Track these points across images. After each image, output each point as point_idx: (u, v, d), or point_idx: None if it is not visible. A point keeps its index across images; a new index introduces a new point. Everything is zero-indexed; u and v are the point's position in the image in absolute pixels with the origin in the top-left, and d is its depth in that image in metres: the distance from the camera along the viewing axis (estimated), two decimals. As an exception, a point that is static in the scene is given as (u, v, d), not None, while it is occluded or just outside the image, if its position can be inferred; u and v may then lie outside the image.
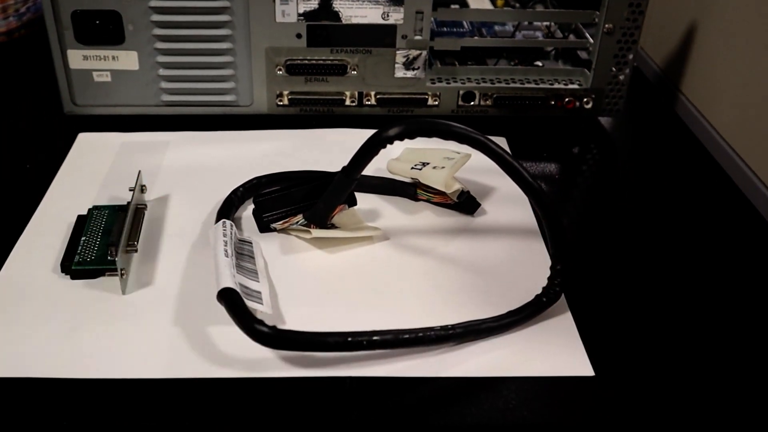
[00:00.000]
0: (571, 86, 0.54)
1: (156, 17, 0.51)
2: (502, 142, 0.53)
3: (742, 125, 0.51)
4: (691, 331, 0.39)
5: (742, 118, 0.51)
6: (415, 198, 0.47)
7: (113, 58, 0.52)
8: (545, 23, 0.60)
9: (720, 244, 0.45)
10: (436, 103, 0.55)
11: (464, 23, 0.61)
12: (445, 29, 0.60)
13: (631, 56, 0.53)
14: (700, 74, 0.56)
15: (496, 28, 0.61)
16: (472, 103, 0.55)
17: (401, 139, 0.39)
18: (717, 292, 0.42)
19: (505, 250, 0.43)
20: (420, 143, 0.43)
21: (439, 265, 0.42)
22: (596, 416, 0.34)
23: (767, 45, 0.48)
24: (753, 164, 0.49)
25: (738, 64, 0.52)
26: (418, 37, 0.53)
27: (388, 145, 0.39)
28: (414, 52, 0.53)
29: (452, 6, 0.59)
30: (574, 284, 0.41)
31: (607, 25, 0.52)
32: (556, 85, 0.54)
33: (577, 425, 0.34)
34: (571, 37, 0.58)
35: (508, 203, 0.47)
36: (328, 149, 0.52)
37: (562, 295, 0.40)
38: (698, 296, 0.41)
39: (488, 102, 0.54)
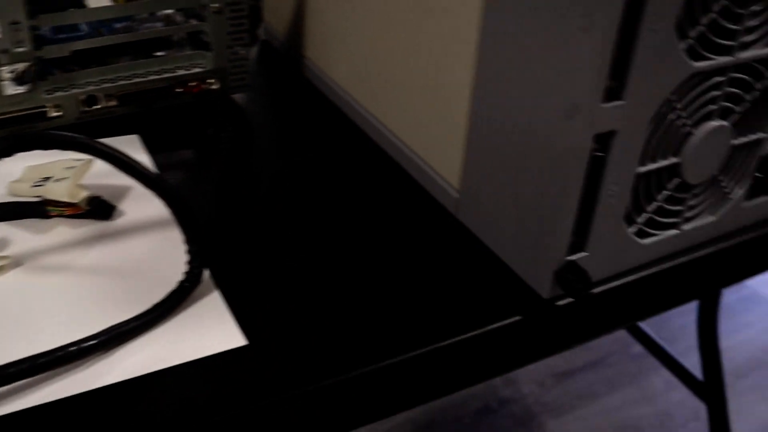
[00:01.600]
0: (194, 70, 0.55)
1: None
2: (134, 139, 0.52)
3: (359, 75, 0.54)
4: (341, 289, 0.41)
5: (357, 69, 0.54)
6: (47, 215, 0.45)
7: None
8: (166, 12, 0.59)
9: (358, 192, 0.48)
10: (60, 113, 0.52)
11: (83, 26, 0.58)
12: (63, 35, 0.57)
13: (246, 32, 0.54)
14: (317, 36, 0.59)
15: (117, 25, 0.59)
16: (97, 106, 0.53)
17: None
18: (360, 243, 0.44)
19: (147, 247, 0.43)
20: (39, 158, 0.41)
21: (79, 277, 0.40)
22: (256, 382, 0.35)
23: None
24: (375, 112, 0.53)
25: (345, 21, 0.55)
26: (20, 49, 0.50)
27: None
28: (21, 66, 0.50)
29: (71, 9, 0.56)
30: (222, 261, 0.42)
31: (214, 5, 0.53)
32: (179, 72, 0.54)
33: (238, 394, 0.34)
34: (193, 21, 0.57)
35: (143, 200, 0.46)
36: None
37: (208, 274, 0.40)
38: (342, 251, 0.44)
39: (113, 102, 0.53)
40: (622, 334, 1.44)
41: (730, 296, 1.58)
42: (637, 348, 1.42)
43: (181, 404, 0.34)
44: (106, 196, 0.45)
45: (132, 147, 0.52)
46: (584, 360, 1.41)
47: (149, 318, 0.37)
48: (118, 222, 0.45)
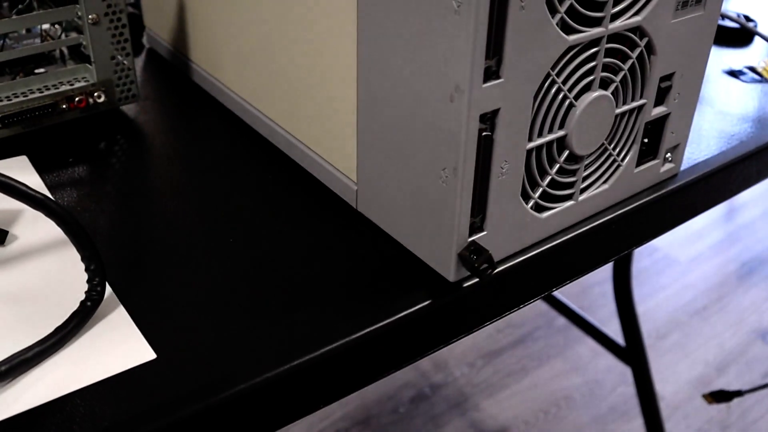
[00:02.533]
0: (79, 84, 0.53)
1: None
2: (23, 160, 0.50)
3: (246, 76, 0.54)
4: (248, 293, 0.41)
5: (244, 70, 0.54)
6: (-67, 248, 0.43)
7: None
8: (43, 27, 0.57)
9: (259, 194, 0.48)
10: (-60, 140, 0.50)
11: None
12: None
13: (127, 41, 0.53)
14: (201, 39, 0.58)
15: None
16: (-21, 129, 0.51)
17: None
18: (265, 245, 0.44)
19: (45, 269, 0.41)
20: None
21: (-29, 309, 0.39)
22: (169, 394, 0.34)
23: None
24: (266, 111, 0.52)
25: (227, 21, 0.54)
26: None
27: None
28: None
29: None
30: (125, 276, 0.41)
31: (91, 16, 0.51)
32: (63, 88, 0.53)
33: (152, 408, 0.34)
34: (73, 34, 0.56)
35: (36, 222, 0.45)
36: None
37: (111, 292, 0.39)
38: (247, 255, 0.43)
39: (-4, 124, 0.51)
40: (544, 308, 1.47)
41: (643, 261, 1.64)
42: (561, 320, 1.46)
43: (94, 425, 0.33)
44: (-6, 222, 0.43)
45: (21, 168, 0.50)
46: (511, 337, 1.44)
47: (52, 341, 0.36)
48: (11, 247, 0.43)
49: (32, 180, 0.49)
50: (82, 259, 0.38)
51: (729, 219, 1.79)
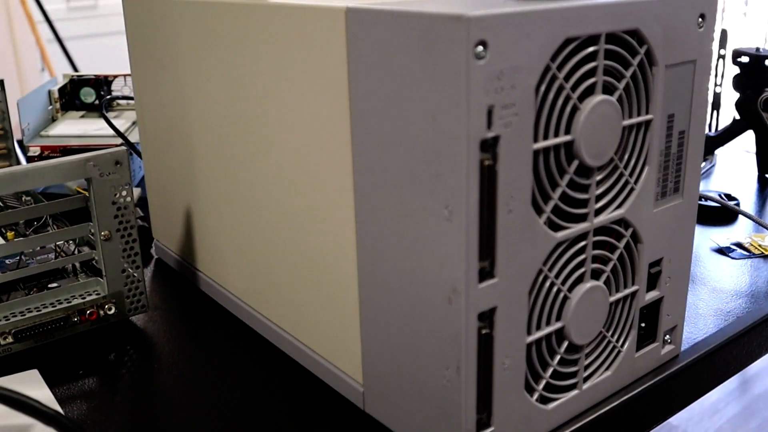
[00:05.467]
0: (90, 297, 0.55)
1: None
2: (34, 374, 0.51)
3: (252, 284, 0.56)
4: None
5: (249, 278, 0.56)
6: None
7: None
8: (57, 243, 0.60)
9: (267, 400, 0.48)
10: (-48, 359, 0.51)
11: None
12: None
13: (137, 254, 0.56)
14: (207, 249, 0.61)
15: (8, 261, 0.59)
16: (-8, 346, 0.52)
17: None
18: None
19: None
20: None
21: None
22: None
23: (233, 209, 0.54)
24: (273, 318, 0.54)
25: (232, 233, 0.57)
26: None
27: None
28: None
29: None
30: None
31: (103, 233, 0.54)
32: (75, 302, 0.54)
33: None
34: (85, 249, 0.58)
35: None
36: None
37: None
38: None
39: (9, 339, 0.52)
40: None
41: (662, 439, 1.59)
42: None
43: None
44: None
45: (32, 382, 0.51)
46: None
47: None
48: (18, 466, 0.43)
49: (43, 394, 0.49)
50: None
51: (744, 391, 1.75)
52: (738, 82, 0.85)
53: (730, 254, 0.67)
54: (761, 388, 1.76)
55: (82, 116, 0.97)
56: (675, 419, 1.63)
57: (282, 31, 0.45)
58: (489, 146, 0.35)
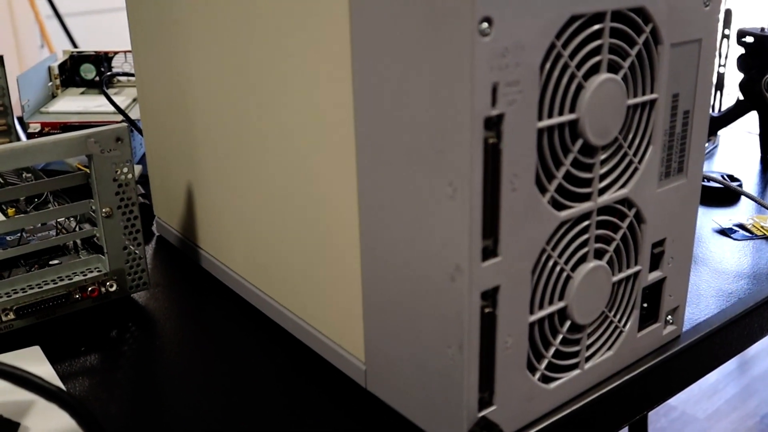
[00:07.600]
0: (91, 275, 0.55)
1: None
2: (36, 351, 0.51)
3: (254, 261, 0.55)
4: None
5: (251, 255, 0.56)
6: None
7: None
8: (58, 220, 0.60)
9: (269, 377, 0.48)
10: (-45, 335, 0.51)
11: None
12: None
13: (139, 231, 0.55)
14: (209, 226, 0.61)
15: (9, 238, 0.59)
16: (-6, 323, 0.52)
17: None
18: (278, 429, 0.44)
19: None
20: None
21: None
22: None
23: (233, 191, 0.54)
24: (274, 295, 0.54)
25: (234, 209, 0.57)
26: None
27: None
28: None
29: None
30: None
31: (104, 210, 0.54)
32: (76, 279, 0.54)
33: None
34: (86, 226, 0.58)
35: (48, 412, 0.45)
36: None
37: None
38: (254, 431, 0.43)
39: (10, 316, 0.52)
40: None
41: (660, 421, 1.60)
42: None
43: None
44: (7, 414, 0.43)
45: (34, 359, 0.51)
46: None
47: None
48: (23, 442, 0.43)
49: (45, 370, 0.50)
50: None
51: (742, 372, 1.76)
52: (742, 63, 0.85)
53: (732, 235, 0.67)
54: (760, 369, 1.77)
55: (83, 93, 0.97)
56: (674, 400, 1.64)
57: (284, 1, 0.45)
58: (493, 124, 0.35)
